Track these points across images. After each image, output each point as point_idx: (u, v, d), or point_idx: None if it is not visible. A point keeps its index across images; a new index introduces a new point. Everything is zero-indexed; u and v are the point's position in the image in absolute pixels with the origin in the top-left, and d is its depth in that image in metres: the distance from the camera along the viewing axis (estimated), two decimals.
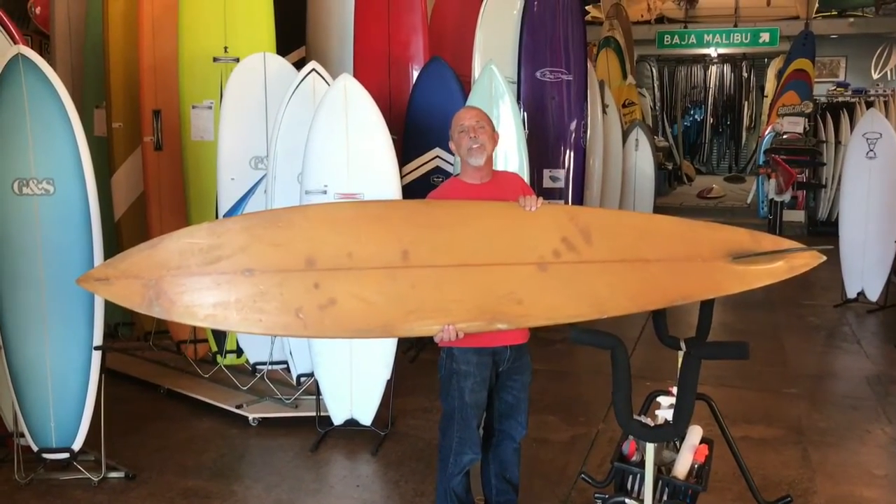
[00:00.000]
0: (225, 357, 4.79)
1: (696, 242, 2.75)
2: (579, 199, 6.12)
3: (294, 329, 2.70)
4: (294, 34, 5.71)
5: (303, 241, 2.67)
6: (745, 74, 17.89)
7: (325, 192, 3.91)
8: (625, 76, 11.60)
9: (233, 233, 2.67)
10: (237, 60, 4.52)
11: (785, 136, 10.28)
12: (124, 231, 5.39)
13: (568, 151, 6.04)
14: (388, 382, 4.08)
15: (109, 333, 5.18)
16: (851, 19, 14.83)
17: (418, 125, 5.38)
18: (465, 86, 5.41)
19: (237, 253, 2.63)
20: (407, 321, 2.67)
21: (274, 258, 2.64)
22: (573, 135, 6.04)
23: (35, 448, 3.63)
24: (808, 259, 2.74)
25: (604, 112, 7.46)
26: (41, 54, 3.82)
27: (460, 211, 2.78)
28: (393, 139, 4.00)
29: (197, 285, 2.61)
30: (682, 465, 2.55)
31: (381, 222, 2.75)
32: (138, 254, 2.63)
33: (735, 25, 15.49)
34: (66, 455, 3.66)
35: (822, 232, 10.14)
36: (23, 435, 3.62)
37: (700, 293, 2.74)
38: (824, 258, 2.74)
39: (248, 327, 2.68)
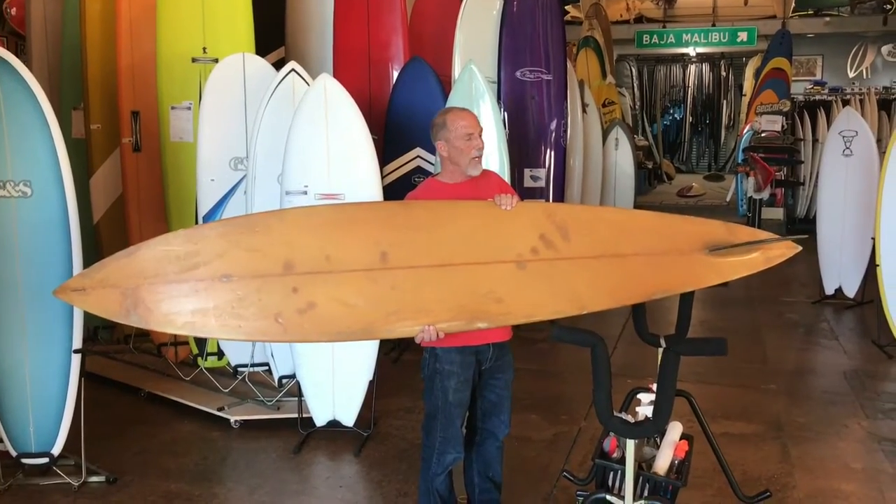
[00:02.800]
0: (206, 360, 4.77)
1: (673, 236, 2.77)
2: (560, 198, 6.15)
3: (274, 334, 2.68)
4: (273, 34, 5.68)
5: (280, 245, 2.66)
6: (723, 73, 18.06)
7: (305, 193, 3.90)
8: (604, 75, 11.66)
9: (210, 239, 2.65)
10: (216, 61, 4.50)
11: (763, 135, 10.37)
12: (103, 233, 5.35)
13: (548, 151, 6.06)
14: (371, 383, 4.08)
15: (89, 337, 5.13)
16: (827, 18, 14.99)
17: (399, 125, 5.38)
18: (445, 86, 5.42)
19: (214, 259, 2.61)
20: (387, 323, 2.67)
21: (251, 263, 2.62)
22: (553, 134, 6.07)
23: (14, 453, 3.60)
24: (783, 250, 2.75)
25: (584, 111, 7.50)
26: (17, 55, 3.78)
27: (438, 211, 2.79)
28: (373, 139, 4.00)
29: (175, 293, 2.59)
30: (663, 461, 2.57)
31: (358, 225, 2.74)
32: (114, 263, 2.61)
33: (713, 25, 15.61)
34: (45, 460, 3.62)
35: (801, 229, 10.22)
36: (1, 440, 3.59)
37: (678, 286, 2.76)
38: (799, 248, 2.75)
39: (227, 334, 2.67)
